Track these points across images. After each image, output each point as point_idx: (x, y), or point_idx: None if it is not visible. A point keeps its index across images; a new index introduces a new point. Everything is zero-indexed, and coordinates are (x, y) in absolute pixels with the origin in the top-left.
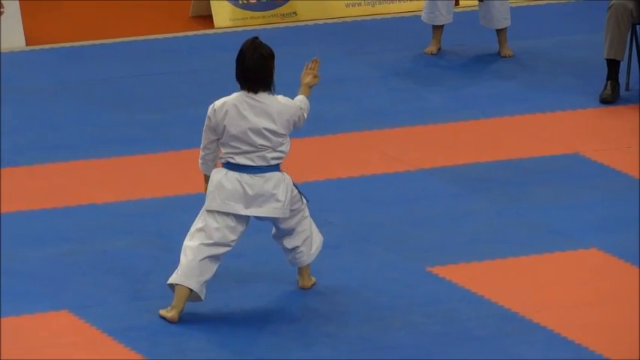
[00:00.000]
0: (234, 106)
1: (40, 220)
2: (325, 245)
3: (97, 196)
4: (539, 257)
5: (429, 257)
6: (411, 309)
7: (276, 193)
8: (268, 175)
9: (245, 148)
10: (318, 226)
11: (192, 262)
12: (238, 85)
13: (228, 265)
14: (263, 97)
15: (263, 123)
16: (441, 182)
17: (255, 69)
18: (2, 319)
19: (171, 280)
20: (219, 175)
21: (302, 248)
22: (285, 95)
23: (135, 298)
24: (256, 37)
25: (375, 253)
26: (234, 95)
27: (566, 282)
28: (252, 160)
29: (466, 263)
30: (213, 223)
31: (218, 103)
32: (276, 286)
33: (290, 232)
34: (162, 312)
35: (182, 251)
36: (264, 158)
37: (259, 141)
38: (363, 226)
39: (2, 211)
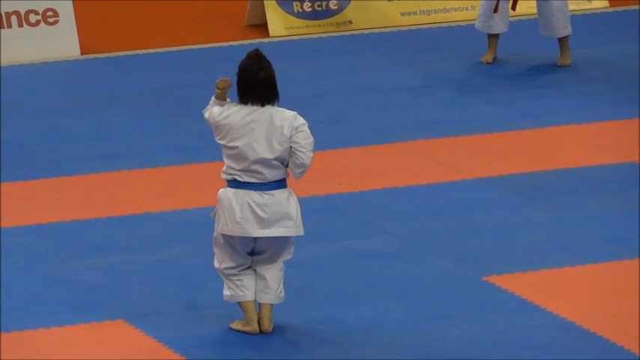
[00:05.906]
0: None
1: (96, 229)
2: (381, 254)
3: (152, 206)
4: (596, 266)
5: (485, 266)
6: (467, 318)
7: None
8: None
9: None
10: (375, 235)
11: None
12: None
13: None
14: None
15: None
16: (497, 191)
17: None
18: (58, 329)
19: (234, 298)
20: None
21: (274, 284)
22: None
23: (190, 307)
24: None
25: (431, 262)
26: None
27: (623, 291)
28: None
29: (522, 272)
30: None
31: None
32: (330, 295)
33: (273, 259)
34: (240, 327)
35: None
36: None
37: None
38: (419, 235)
39: (58, 221)
